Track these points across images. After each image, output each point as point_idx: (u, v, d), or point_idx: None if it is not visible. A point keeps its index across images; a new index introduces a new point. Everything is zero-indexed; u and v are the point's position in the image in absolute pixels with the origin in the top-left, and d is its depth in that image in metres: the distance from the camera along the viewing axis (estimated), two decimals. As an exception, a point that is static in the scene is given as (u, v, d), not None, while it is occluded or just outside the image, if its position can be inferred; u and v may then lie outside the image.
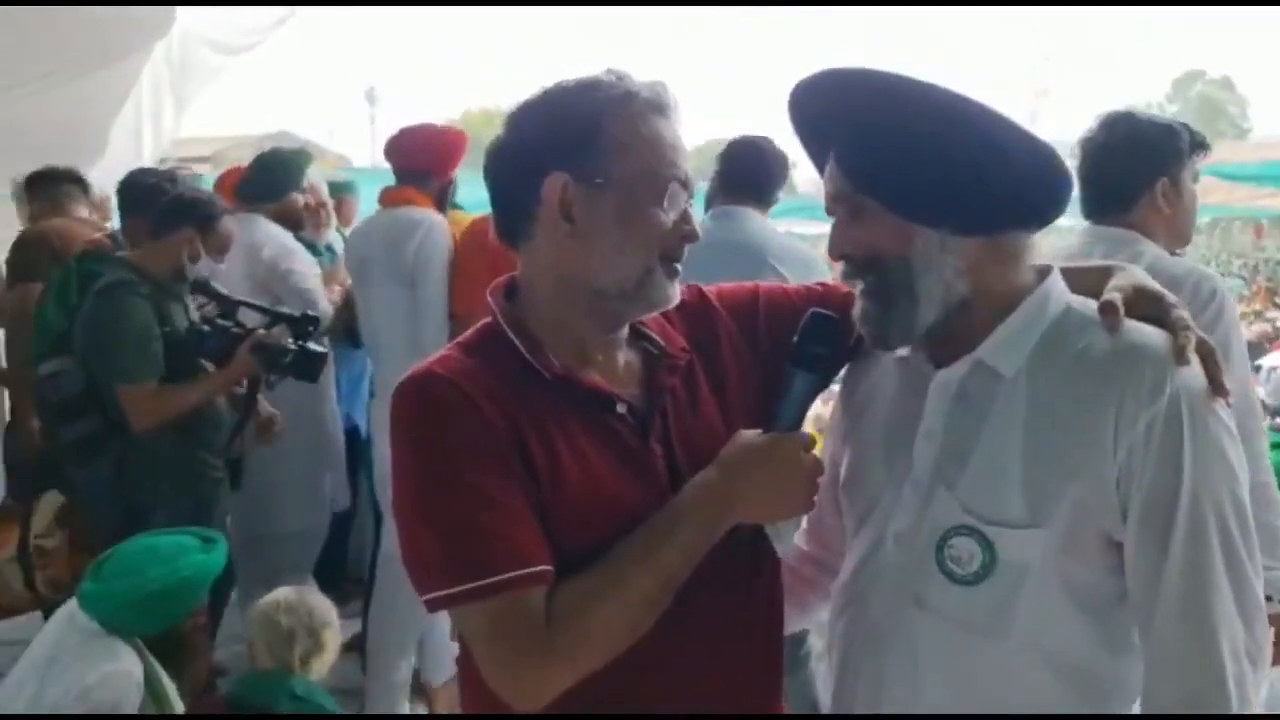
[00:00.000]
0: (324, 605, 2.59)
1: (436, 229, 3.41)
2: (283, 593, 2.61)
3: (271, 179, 4.03)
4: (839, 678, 1.40)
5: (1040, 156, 1.26)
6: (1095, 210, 2.45)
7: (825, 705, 1.47)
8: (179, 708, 2.40)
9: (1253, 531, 1.22)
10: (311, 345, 3.43)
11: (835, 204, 1.32)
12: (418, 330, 3.34)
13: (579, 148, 1.28)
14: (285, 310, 3.51)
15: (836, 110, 1.30)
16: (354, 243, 3.74)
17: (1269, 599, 2.32)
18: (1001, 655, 1.24)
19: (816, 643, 2.91)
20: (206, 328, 3.32)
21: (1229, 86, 57.40)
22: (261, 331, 3.36)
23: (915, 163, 1.24)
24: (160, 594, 2.41)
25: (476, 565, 1.21)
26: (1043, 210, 1.30)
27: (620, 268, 1.30)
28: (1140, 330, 1.25)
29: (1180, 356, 1.21)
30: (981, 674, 1.26)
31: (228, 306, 3.44)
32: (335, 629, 2.58)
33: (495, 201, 1.37)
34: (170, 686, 2.40)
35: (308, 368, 3.40)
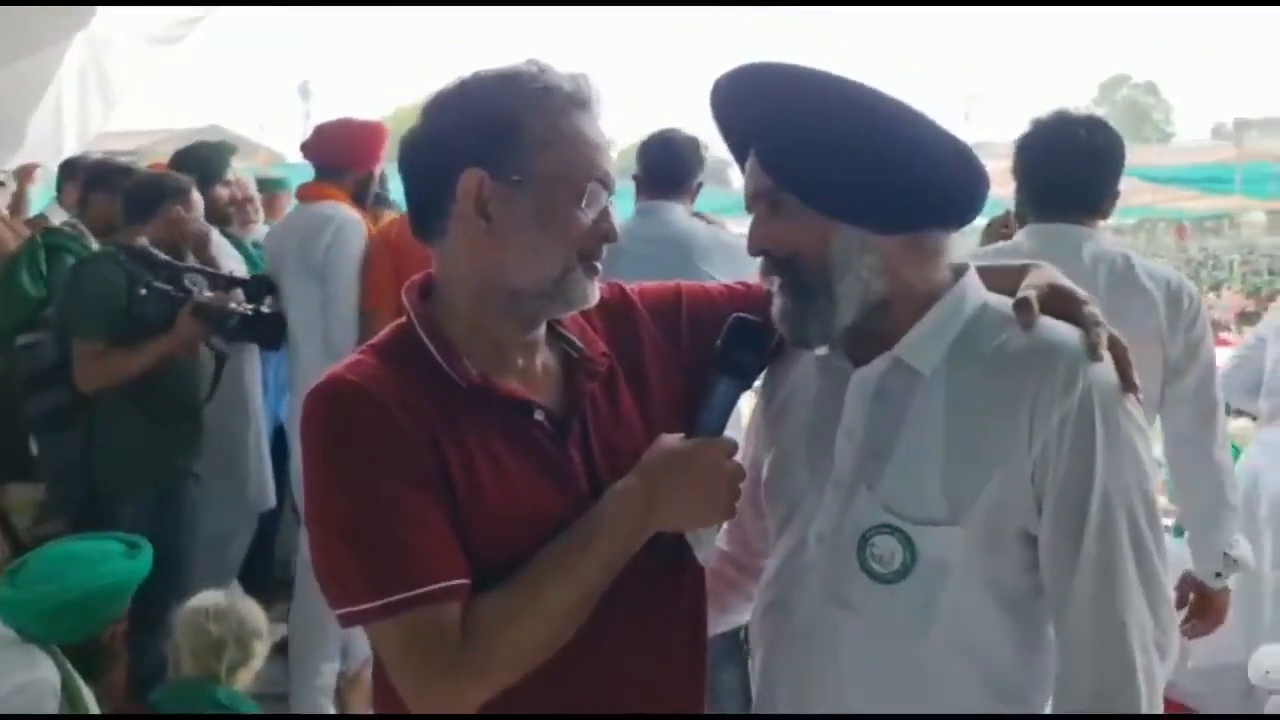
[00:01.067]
0: (254, 613, 2.52)
1: (348, 225, 3.38)
2: (211, 598, 2.53)
3: (194, 171, 3.90)
4: (762, 679, 1.40)
5: (958, 155, 1.27)
6: (1061, 211, 2.46)
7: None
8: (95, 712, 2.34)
9: (1160, 524, 1.25)
10: (264, 309, 3.36)
11: (755, 200, 1.31)
12: (328, 327, 3.30)
13: (496, 144, 1.25)
14: (236, 275, 3.46)
15: (757, 105, 1.30)
16: (271, 240, 3.70)
17: (1218, 575, 2.44)
18: (923, 654, 1.25)
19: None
20: (144, 291, 3.23)
21: (1153, 91, 58.86)
22: (204, 294, 3.29)
23: (835, 160, 1.24)
24: (79, 602, 2.34)
25: (389, 580, 1.19)
26: (961, 209, 1.30)
27: (538, 267, 1.27)
28: (1054, 327, 1.26)
29: (1093, 353, 1.23)
30: (903, 673, 1.26)
31: (173, 272, 3.36)
32: (264, 637, 2.52)
33: (409, 196, 1.34)
34: (89, 694, 2.34)
35: (266, 331, 3.34)
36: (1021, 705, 1.29)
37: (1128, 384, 1.25)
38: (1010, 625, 1.26)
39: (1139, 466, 1.23)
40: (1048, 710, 1.29)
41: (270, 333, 3.37)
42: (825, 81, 1.26)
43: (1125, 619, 1.20)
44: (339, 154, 3.50)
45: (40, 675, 2.26)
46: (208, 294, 3.32)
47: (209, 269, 3.47)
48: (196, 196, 3.47)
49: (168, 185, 3.45)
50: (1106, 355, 1.24)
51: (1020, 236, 2.50)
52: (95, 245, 3.62)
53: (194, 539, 3.30)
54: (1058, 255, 2.26)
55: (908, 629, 1.25)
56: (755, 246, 1.32)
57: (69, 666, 2.31)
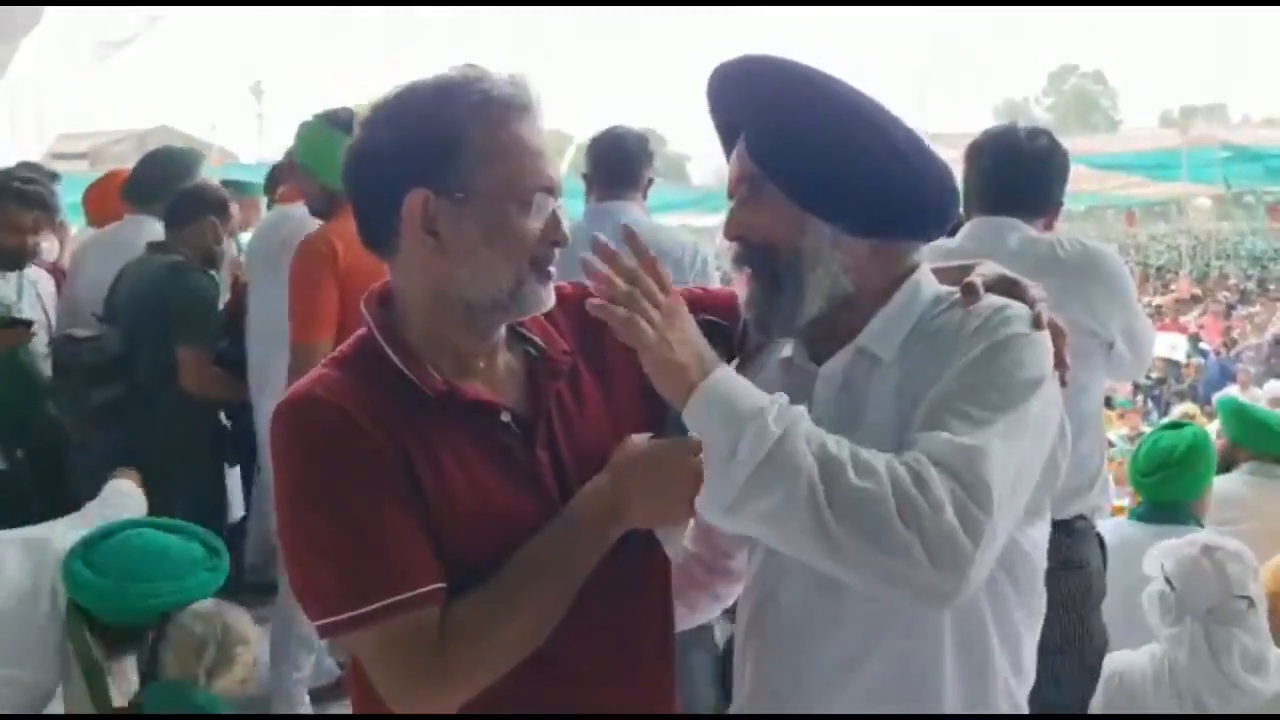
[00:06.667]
0: (241, 620, 2.50)
1: (306, 221, 3.37)
2: (202, 603, 2.54)
3: (161, 178, 3.93)
4: (755, 676, 1.42)
5: (936, 171, 1.32)
6: (1003, 211, 2.58)
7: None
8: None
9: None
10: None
11: (738, 184, 1.35)
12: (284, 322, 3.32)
13: (439, 161, 1.25)
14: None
15: (751, 93, 1.33)
16: (249, 245, 3.79)
17: (1082, 517, 2.49)
18: (915, 617, 1.28)
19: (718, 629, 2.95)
20: None
21: (1101, 80, 59.66)
22: None
23: (819, 155, 1.28)
24: (155, 608, 2.40)
25: (366, 589, 1.20)
26: (931, 222, 1.35)
27: (490, 280, 1.27)
28: (995, 297, 1.31)
29: (1036, 323, 1.28)
30: (902, 638, 1.29)
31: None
32: (250, 646, 2.49)
33: (357, 211, 1.33)
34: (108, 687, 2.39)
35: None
36: (1017, 647, 1.33)
37: (1059, 363, 1.30)
38: (997, 570, 1.27)
39: (1007, 402, 1.21)
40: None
41: None
42: (821, 79, 1.31)
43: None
44: None
45: (28, 678, 2.32)
46: None
47: None
48: (234, 209, 3.72)
49: (210, 197, 3.66)
50: (1047, 332, 1.29)
51: (960, 233, 2.59)
52: None
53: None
54: (987, 243, 2.37)
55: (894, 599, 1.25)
56: (732, 231, 1.35)
57: (99, 665, 2.37)
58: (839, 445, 1.16)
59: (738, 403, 1.18)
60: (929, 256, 1.41)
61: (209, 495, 3.57)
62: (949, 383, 1.23)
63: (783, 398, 1.20)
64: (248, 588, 4.15)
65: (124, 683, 2.48)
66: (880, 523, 1.11)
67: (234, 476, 3.93)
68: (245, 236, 4.30)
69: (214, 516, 3.46)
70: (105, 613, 2.42)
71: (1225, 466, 3.61)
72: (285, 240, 3.34)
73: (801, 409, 1.19)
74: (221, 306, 3.66)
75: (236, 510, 4.01)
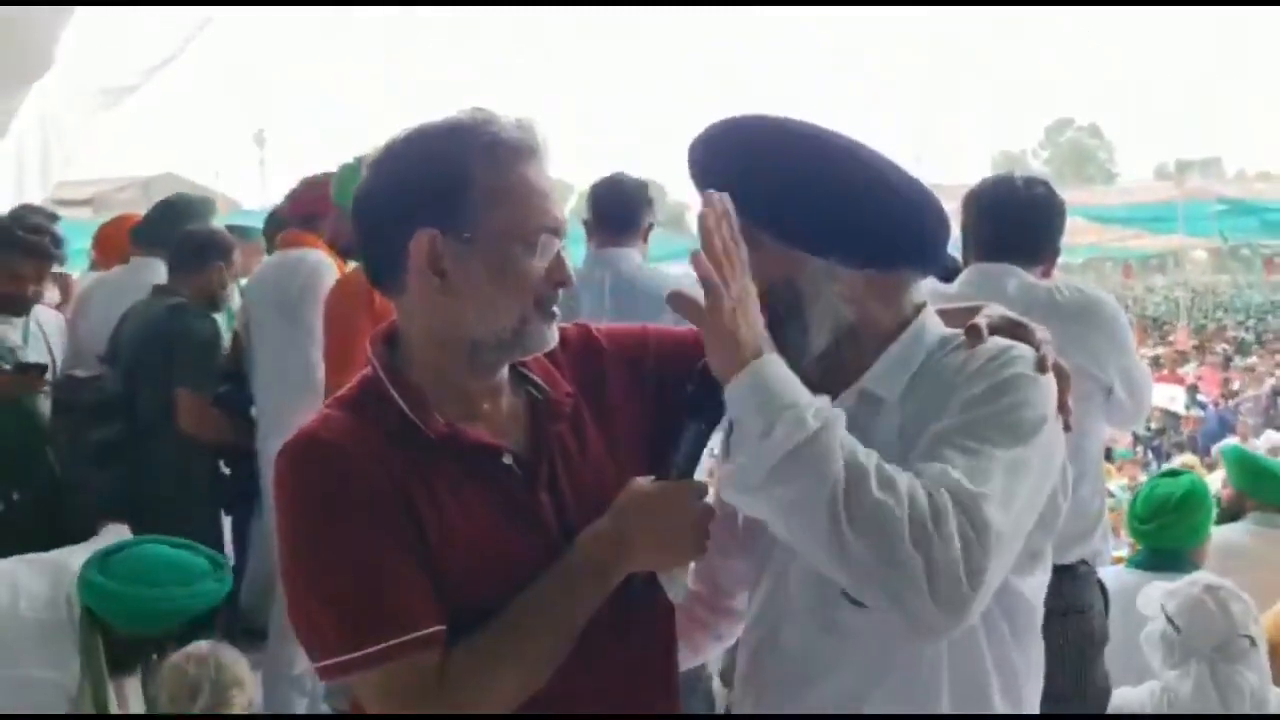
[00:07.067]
0: (237, 664, 2.49)
1: (322, 267, 3.42)
2: (197, 645, 2.54)
3: (171, 223, 3.96)
4: (756, 710, 1.41)
5: (924, 199, 1.34)
6: (1000, 258, 2.60)
7: None
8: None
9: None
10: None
11: None
12: (297, 367, 3.34)
13: (447, 202, 1.26)
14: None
15: (725, 152, 1.36)
16: (249, 288, 3.76)
17: (1084, 562, 2.49)
18: (920, 659, 1.28)
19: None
20: None
21: (1097, 134, 60.24)
22: None
23: (807, 197, 1.30)
24: (168, 613, 2.52)
25: (367, 632, 1.21)
26: (924, 250, 1.37)
27: (495, 319, 1.28)
28: (1000, 339, 1.33)
29: (1041, 365, 1.29)
30: (903, 682, 1.29)
31: None
32: (245, 689, 2.48)
33: (364, 252, 1.35)
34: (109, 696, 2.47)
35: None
36: (1017, 692, 1.32)
37: (1062, 407, 1.31)
38: (996, 613, 1.28)
39: (1011, 438, 1.22)
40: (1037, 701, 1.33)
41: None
42: (794, 125, 1.33)
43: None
44: (323, 205, 3.53)
45: (49, 678, 2.40)
46: None
47: None
48: (238, 255, 3.78)
49: (215, 242, 3.72)
50: (1051, 376, 1.30)
51: (958, 280, 2.61)
52: None
53: None
54: (985, 289, 2.39)
55: (904, 638, 1.25)
56: None
57: (104, 678, 2.45)
58: (867, 455, 1.18)
59: (782, 388, 1.20)
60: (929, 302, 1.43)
61: (204, 538, 3.53)
62: (952, 417, 1.24)
63: (825, 399, 1.21)
64: (242, 633, 4.12)
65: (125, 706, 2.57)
66: (891, 539, 1.12)
67: (227, 524, 3.90)
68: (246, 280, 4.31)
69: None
70: (119, 618, 2.50)
71: (1232, 515, 3.62)
72: (305, 287, 3.38)
73: (840, 412, 1.21)
74: (227, 349, 3.67)
75: (230, 555, 3.99)
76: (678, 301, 1.24)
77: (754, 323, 1.23)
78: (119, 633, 2.52)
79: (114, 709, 2.49)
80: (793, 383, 1.21)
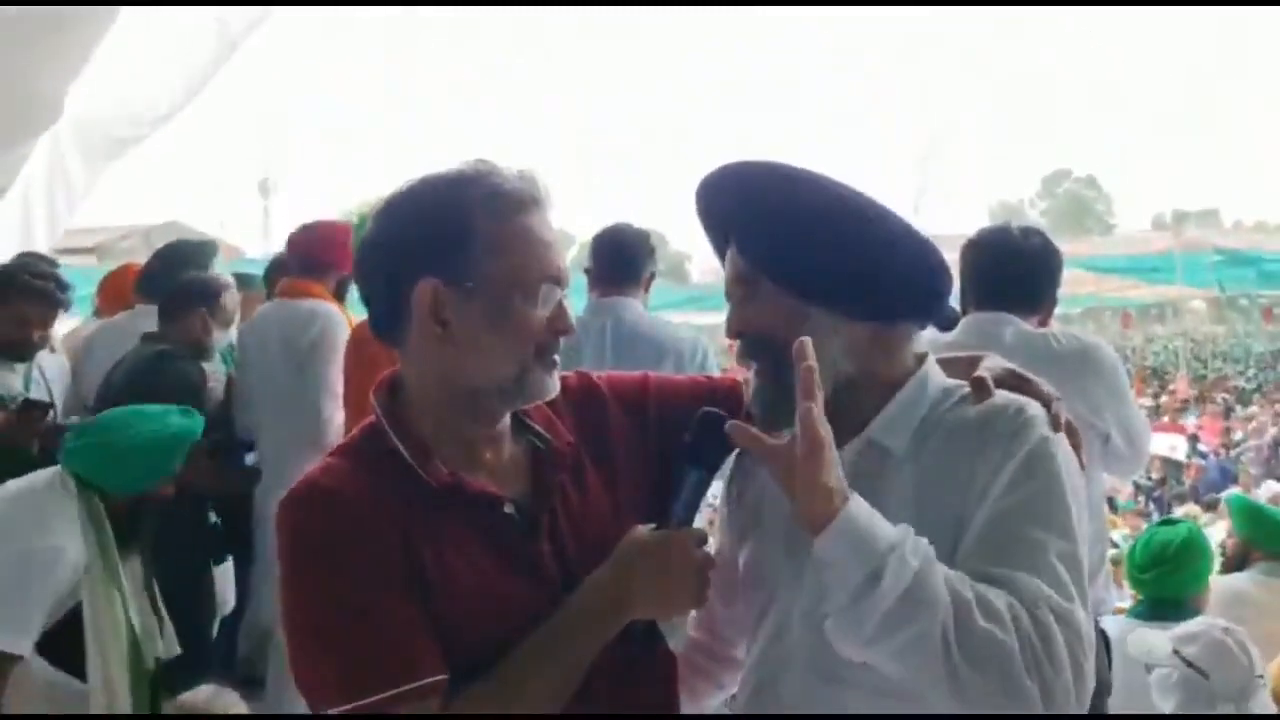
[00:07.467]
0: (235, 706, 2.50)
1: (334, 320, 3.46)
2: (203, 691, 2.53)
3: (169, 270, 3.99)
4: None
5: (925, 251, 1.35)
6: (997, 306, 2.64)
7: None
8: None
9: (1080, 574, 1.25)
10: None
11: (734, 285, 1.38)
12: (311, 420, 3.35)
13: (449, 251, 1.28)
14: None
15: (737, 195, 1.37)
16: (246, 334, 3.76)
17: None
18: (912, 708, 1.26)
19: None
20: None
21: (1094, 185, 60.57)
22: None
23: (811, 246, 1.31)
24: (142, 449, 2.67)
25: (368, 681, 1.21)
26: (926, 304, 1.38)
27: (496, 368, 1.30)
28: (1004, 395, 1.34)
29: (1055, 424, 1.30)
30: None
31: None
32: None
33: (368, 301, 1.37)
34: (123, 580, 2.59)
35: None
36: None
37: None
38: (999, 675, 1.25)
39: (1063, 520, 1.25)
40: None
41: None
42: (803, 175, 1.34)
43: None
44: (325, 252, 3.58)
45: (53, 544, 2.48)
46: None
47: None
48: (226, 300, 3.72)
49: (197, 289, 3.72)
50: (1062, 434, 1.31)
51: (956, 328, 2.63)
52: None
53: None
54: (983, 338, 2.42)
55: (900, 694, 1.25)
56: (734, 328, 1.38)
57: (111, 545, 2.56)
58: (961, 581, 1.18)
59: (878, 530, 1.18)
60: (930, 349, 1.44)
61: (194, 584, 3.48)
62: (1001, 502, 1.24)
63: (909, 529, 1.20)
64: (240, 680, 4.08)
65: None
66: (1008, 673, 1.14)
67: (228, 569, 3.88)
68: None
69: (200, 606, 3.42)
70: (106, 475, 2.64)
71: (1238, 565, 3.60)
72: (315, 342, 3.42)
73: (925, 541, 1.19)
74: (220, 397, 3.67)
75: (229, 603, 3.97)
76: (742, 437, 1.23)
77: (835, 465, 1.21)
78: (115, 498, 2.65)
79: (125, 582, 2.61)
80: (881, 521, 1.19)
